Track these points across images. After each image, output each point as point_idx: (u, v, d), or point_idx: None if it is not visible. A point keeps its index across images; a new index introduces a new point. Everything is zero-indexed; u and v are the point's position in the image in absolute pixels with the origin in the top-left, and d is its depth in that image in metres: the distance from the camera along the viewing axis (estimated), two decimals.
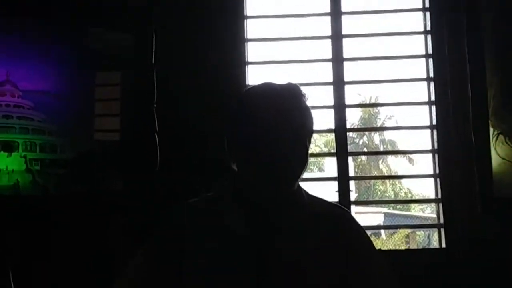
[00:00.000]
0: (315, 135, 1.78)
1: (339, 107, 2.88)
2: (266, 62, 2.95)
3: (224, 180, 1.68)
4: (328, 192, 2.73)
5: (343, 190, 2.84)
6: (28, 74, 2.62)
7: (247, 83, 2.84)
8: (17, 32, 2.62)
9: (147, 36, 2.70)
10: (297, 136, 1.59)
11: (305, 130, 1.62)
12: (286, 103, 1.60)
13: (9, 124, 2.60)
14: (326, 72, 2.92)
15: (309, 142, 1.65)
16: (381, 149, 24.13)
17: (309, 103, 1.66)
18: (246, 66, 2.89)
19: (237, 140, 1.62)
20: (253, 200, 1.62)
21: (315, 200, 1.72)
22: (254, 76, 2.90)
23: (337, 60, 2.91)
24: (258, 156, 1.56)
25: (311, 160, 1.74)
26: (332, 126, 2.88)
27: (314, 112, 1.69)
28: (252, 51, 2.93)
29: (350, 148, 8.56)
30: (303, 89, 1.67)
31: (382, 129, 23.09)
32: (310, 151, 1.67)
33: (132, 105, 2.67)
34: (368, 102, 22.51)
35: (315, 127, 1.70)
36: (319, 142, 21.16)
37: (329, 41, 2.93)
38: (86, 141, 2.63)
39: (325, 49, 2.97)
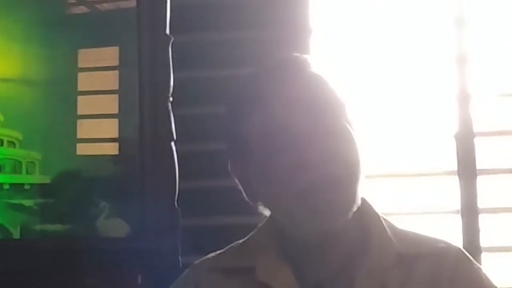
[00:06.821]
0: None
1: None
2: None
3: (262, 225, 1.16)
4: None
5: None
6: None
7: None
8: None
9: None
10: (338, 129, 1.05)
11: (343, 112, 1.07)
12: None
13: None
14: None
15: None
16: None
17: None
18: None
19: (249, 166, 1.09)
20: (296, 250, 1.10)
21: (406, 236, 1.12)
22: None
23: None
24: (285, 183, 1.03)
25: None
26: None
27: None
28: None
29: None
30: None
31: None
32: None
33: (136, 99, 1.69)
34: None
35: None
36: None
37: None
38: (66, 158, 1.66)
39: None
